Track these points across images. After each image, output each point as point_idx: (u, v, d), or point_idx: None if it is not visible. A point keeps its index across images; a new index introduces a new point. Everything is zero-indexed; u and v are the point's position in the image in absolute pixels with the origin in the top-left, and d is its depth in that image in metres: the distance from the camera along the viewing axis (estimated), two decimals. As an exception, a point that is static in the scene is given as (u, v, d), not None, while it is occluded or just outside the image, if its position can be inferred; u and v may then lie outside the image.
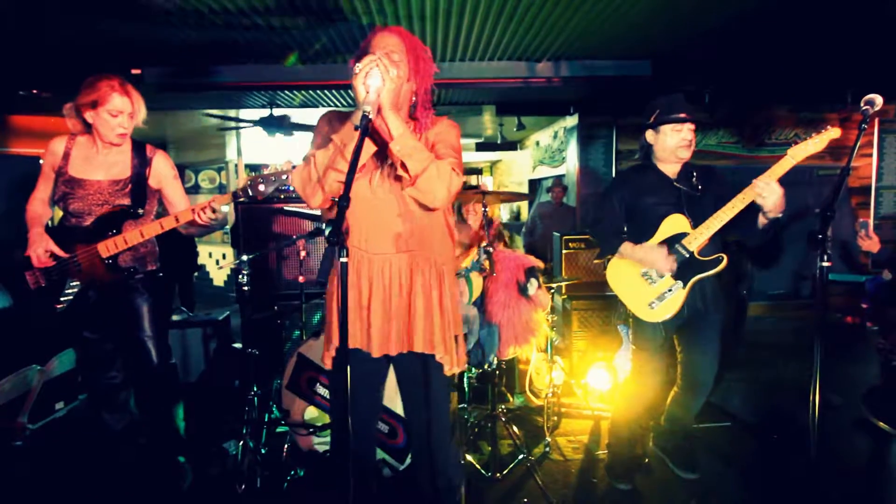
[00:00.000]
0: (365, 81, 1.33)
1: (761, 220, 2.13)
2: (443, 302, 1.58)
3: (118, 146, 2.21)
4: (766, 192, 2.01)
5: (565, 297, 3.87)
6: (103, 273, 2.16)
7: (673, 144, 2.25)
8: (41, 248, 2.09)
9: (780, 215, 2.08)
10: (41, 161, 2.23)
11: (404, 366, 1.63)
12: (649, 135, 2.33)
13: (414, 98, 1.57)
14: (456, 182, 1.45)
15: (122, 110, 2.12)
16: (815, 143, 2.01)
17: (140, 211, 2.22)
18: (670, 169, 2.32)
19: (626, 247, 2.29)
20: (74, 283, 2.16)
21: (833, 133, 2.01)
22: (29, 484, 2.44)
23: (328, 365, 1.60)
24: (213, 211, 2.13)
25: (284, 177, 2.09)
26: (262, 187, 2.11)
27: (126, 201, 2.19)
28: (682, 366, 2.43)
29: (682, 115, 2.22)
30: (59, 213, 2.25)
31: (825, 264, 1.46)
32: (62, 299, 2.15)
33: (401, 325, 1.54)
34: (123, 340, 2.28)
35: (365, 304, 1.53)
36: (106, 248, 2.13)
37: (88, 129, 2.18)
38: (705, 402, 3.26)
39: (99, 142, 2.19)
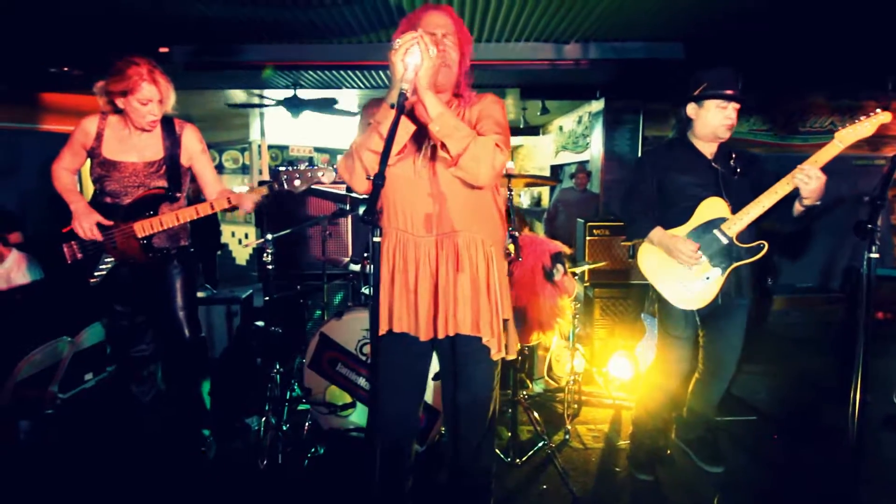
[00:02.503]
0: (404, 58, 1.29)
1: (797, 208, 2.05)
2: (490, 284, 1.54)
3: (149, 131, 2.23)
4: (810, 177, 1.92)
5: (587, 284, 3.82)
6: (137, 252, 2.21)
7: (716, 122, 2.14)
8: (90, 221, 2.13)
9: (817, 203, 2.00)
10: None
11: (447, 349, 1.60)
12: (691, 108, 2.20)
13: (458, 77, 1.54)
14: (500, 158, 1.40)
15: (151, 98, 2.13)
16: (864, 127, 1.90)
17: (177, 195, 2.26)
18: (707, 148, 2.22)
19: (657, 233, 2.19)
20: (109, 259, 2.21)
21: (884, 117, 1.90)
22: (58, 451, 2.52)
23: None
24: (230, 203, 2.20)
25: (320, 173, 2.10)
26: (297, 182, 2.13)
27: (162, 183, 2.23)
28: (705, 350, 2.37)
29: (730, 92, 2.09)
30: (88, 189, 2.28)
31: (874, 256, 1.40)
32: (96, 274, 2.20)
33: (447, 308, 1.51)
34: (155, 314, 2.32)
35: (412, 288, 1.51)
36: (142, 228, 2.18)
37: (120, 109, 2.19)
38: (730, 395, 3.24)
39: (131, 124, 2.21)
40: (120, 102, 2.14)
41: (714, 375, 2.39)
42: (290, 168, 2.18)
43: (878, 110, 1.92)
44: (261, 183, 2.28)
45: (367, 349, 2.51)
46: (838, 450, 1.86)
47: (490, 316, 1.53)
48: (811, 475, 2.43)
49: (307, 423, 2.64)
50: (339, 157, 1.54)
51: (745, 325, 2.30)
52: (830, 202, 4.83)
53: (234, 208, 2.26)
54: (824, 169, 1.95)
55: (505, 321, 1.59)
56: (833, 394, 3.26)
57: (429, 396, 2.41)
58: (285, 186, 2.15)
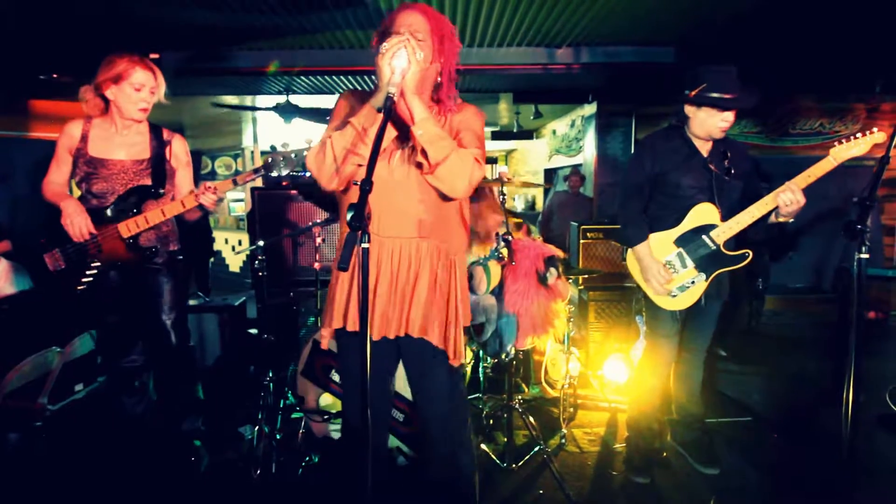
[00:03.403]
0: (390, 62, 1.28)
1: (772, 218, 2.13)
2: (450, 291, 1.54)
3: (139, 122, 2.20)
4: (794, 201, 1.99)
5: (582, 287, 3.82)
6: (124, 253, 2.17)
7: (712, 124, 2.15)
8: (81, 220, 2.06)
9: (791, 220, 2.08)
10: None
11: (410, 351, 1.60)
12: (688, 108, 2.20)
13: (438, 79, 1.52)
14: (477, 174, 1.41)
15: (144, 84, 2.11)
16: (858, 146, 1.95)
17: (161, 191, 2.23)
18: (703, 144, 2.24)
19: (642, 249, 2.24)
20: (95, 265, 2.16)
21: (878, 137, 1.95)
22: (48, 464, 2.48)
23: (325, 345, 1.58)
24: (215, 191, 2.14)
25: (304, 153, 2.09)
26: (281, 164, 2.12)
27: (148, 181, 2.20)
28: (681, 342, 2.43)
29: (729, 97, 2.09)
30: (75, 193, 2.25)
31: (864, 256, 1.40)
32: (83, 280, 2.16)
33: (402, 310, 1.50)
34: (145, 323, 2.29)
35: (372, 288, 1.49)
36: (127, 227, 2.14)
37: (107, 109, 2.17)
38: (724, 396, 3.25)
39: (118, 120, 2.17)
40: (111, 92, 2.10)
41: (688, 362, 2.47)
42: (273, 152, 2.17)
43: (874, 129, 1.96)
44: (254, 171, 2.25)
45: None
46: (833, 450, 1.86)
47: (447, 324, 1.53)
48: (806, 475, 2.43)
49: (301, 432, 2.61)
50: (308, 150, 1.51)
51: (717, 319, 2.40)
52: (820, 203, 4.89)
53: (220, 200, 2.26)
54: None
55: (462, 329, 1.59)
56: (827, 394, 3.27)
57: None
58: (272, 171, 2.13)
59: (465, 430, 1.68)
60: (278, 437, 2.53)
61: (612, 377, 3.34)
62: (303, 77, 4.49)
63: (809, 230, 5.10)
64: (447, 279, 1.54)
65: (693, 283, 2.22)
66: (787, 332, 4.98)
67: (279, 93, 5.19)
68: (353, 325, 1.51)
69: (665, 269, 2.21)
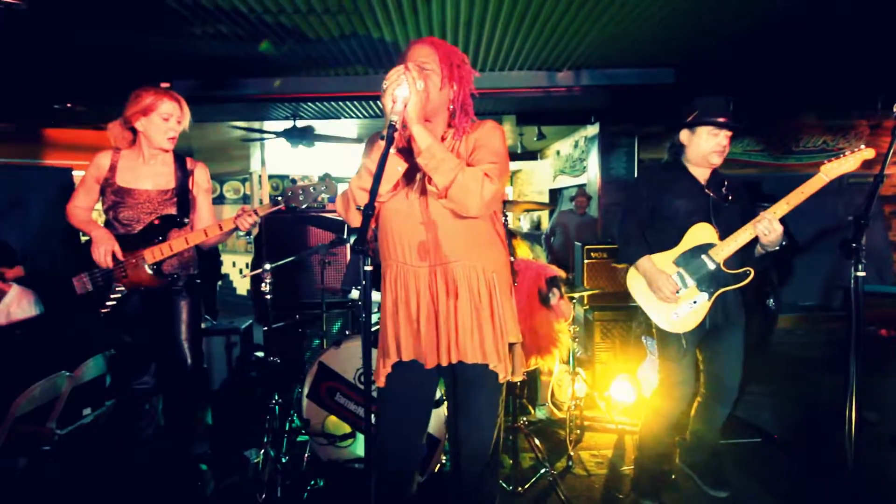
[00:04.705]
0: (392, 92, 1.34)
1: (758, 249, 2.15)
2: (494, 310, 1.54)
3: (166, 151, 2.29)
4: (771, 230, 2.01)
5: (587, 307, 3.82)
6: (148, 279, 2.23)
7: (707, 148, 2.20)
8: (109, 247, 2.15)
9: (776, 248, 2.10)
10: (73, 172, 2.31)
11: (454, 376, 1.60)
12: (684, 135, 2.25)
13: (451, 106, 1.57)
14: (489, 188, 1.41)
15: (171, 114, 2.22)
16: (848, 163, 2.00)
17: (186, 220, 2.31)
18: (700, 173, 2.27)
19: (645, 262, 2.23)
20: (120, 289, 2.23)
21: (867, 153, 1.99)
22: (55, 488, 2.49)
23: (381, 382, 1.59)
24: (252, 214, 2.22)
25: (323, 188, 2.16)
26: (301, 198, 2.19)
27: (173, 210, 2.27)
28: (705, 375, 2.37)
29: (722, 120, 2.15)
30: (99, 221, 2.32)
31: (860, 274, 1.41)
32: (107, 304, 2.22)
33: (449, 336, 1.52)
34: (160, 344, 2.33)
35: (415, 318, 1.53)
36: (152, 254, 2.21)
37: (134, 141, 2.27)
38: (734, 417, 3.20)
39: (146, 150, 2.26)
40: (140, 124, 2.20)
41: (715, 399, 2.37)
42: (294, 184, 2.25)
43: (862, 147, 2.00)
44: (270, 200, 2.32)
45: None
46: (844, 471, 1.83)
47: (495, 342, 1.53)
48: (817, 498, 2.38)
49: (306, 455, 2.61)
50: (339, 189, 1.58)
51: (741, 350, 2.30)
52: (829, 222, 4.87)
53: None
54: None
55: (511, 344, 1.59)
56: (839, 414, 3.22)
57: (430, 425, 2.38)
58: (291, 203, 2.20)
59: (496, 457, 1.67)
60: (284, 460, 2.53)
61: (619, 398, 3.31)
62: (309, 103, 4.59)
63: (819, 248, 5.07)
64: (489, 298, 1.54)
65: (696, 302, 2.20)
66: (799, 350, 4.92)
67: (286, 118, 5.30)
68: (406, 355, 1.54)
69: (670, 277, 2.19)
